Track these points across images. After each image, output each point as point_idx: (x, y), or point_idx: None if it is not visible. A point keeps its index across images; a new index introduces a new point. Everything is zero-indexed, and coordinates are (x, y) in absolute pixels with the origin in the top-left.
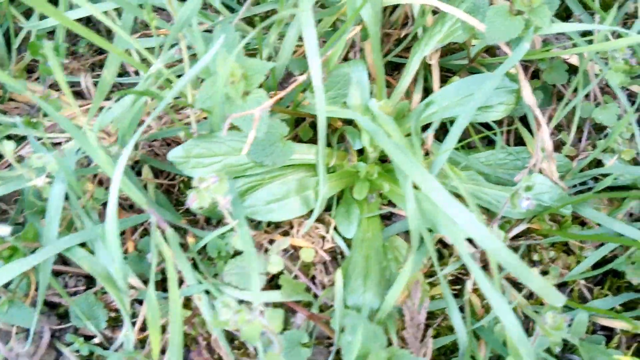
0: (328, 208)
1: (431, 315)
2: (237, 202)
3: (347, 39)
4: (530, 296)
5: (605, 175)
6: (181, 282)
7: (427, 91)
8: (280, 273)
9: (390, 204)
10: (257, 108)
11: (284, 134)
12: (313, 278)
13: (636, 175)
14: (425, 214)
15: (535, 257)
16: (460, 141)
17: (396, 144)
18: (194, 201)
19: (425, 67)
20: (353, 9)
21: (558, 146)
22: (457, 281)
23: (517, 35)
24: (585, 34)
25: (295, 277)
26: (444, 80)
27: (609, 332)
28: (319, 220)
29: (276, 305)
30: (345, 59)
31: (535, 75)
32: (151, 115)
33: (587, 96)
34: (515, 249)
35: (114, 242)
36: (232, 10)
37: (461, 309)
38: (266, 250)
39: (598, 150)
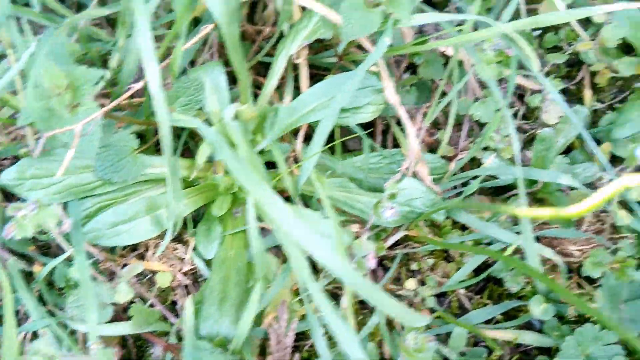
0: (193, 226)
1: (303, 337)
2: (77, 226)
3: (198, 39)
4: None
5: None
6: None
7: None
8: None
9: (260, 218)
10: (80, 122)
11: (134, 147)
12: (174, 304)
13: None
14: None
15: (414, 266)
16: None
17: (234, 156)
18: (11, 232)
19: (297, 65)
20: (182, 4)
21: (438, 146)
22: (335, 296)
23: (376, 30)
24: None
25: (152, 304)
26: (320, 80)
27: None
28: (179, 240)
29: (133, 336)
30: None
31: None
32: None
33: (467, 91)
34: (392, 259)
35: None
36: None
37: None
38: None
39: (475, 149)
